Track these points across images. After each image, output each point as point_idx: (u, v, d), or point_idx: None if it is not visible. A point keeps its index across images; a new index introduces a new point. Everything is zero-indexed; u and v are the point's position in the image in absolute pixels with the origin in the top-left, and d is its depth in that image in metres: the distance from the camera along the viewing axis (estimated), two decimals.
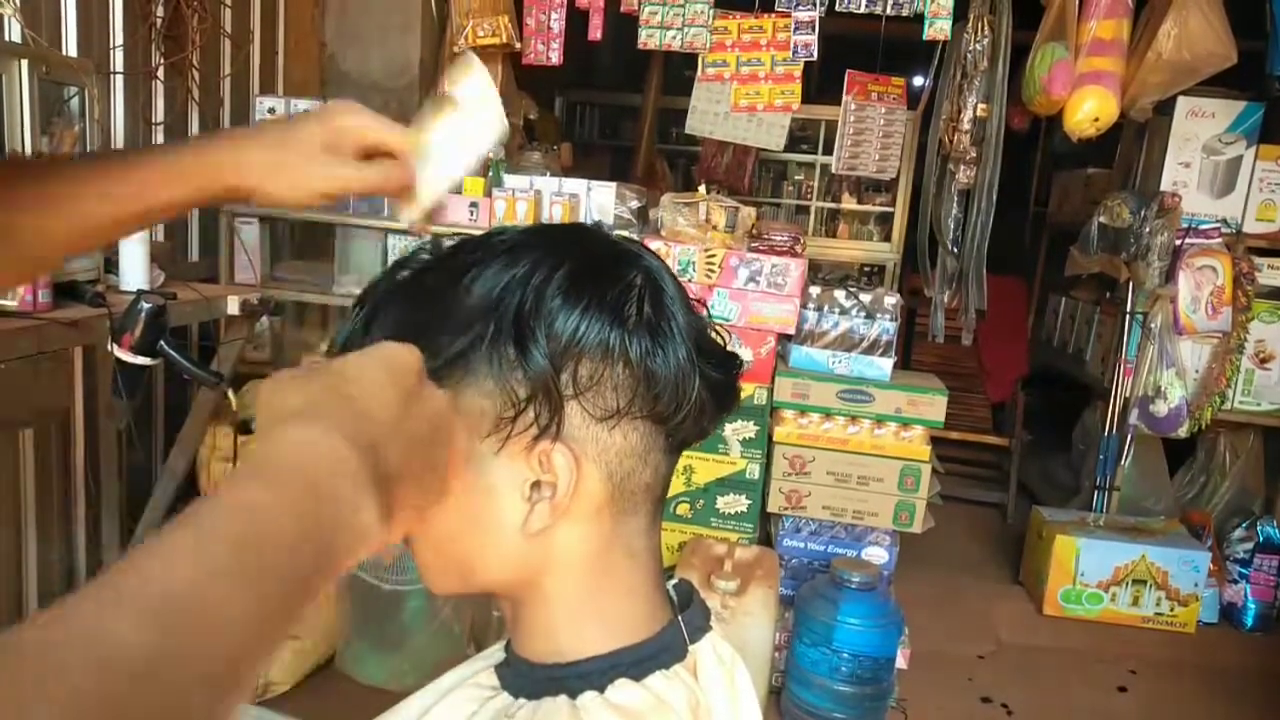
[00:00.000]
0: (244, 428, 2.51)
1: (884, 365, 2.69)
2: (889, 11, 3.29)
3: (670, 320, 0.57)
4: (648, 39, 3.42)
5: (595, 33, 3.49)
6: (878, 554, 2.69)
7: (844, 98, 3.60)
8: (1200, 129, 3.53)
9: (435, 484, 0.50)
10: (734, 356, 0.61)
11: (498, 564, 0.59)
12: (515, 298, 0.54)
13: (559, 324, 0.54)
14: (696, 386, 0.57)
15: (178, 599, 0.33)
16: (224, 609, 0.34)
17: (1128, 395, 3.58)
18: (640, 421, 0.57)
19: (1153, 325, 3.45)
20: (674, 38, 3.42)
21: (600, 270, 0.57)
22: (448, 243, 0.61)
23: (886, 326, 2.69)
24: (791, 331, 2.70)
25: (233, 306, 2.42)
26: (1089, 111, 3.16)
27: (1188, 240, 3.42)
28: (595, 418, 0.55)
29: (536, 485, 0.56)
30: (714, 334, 0.61)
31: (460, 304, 0.56)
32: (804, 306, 2.69)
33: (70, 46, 2.42)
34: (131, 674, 0.30)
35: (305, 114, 0.68)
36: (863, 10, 3.30)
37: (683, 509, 2.74)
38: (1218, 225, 3.48)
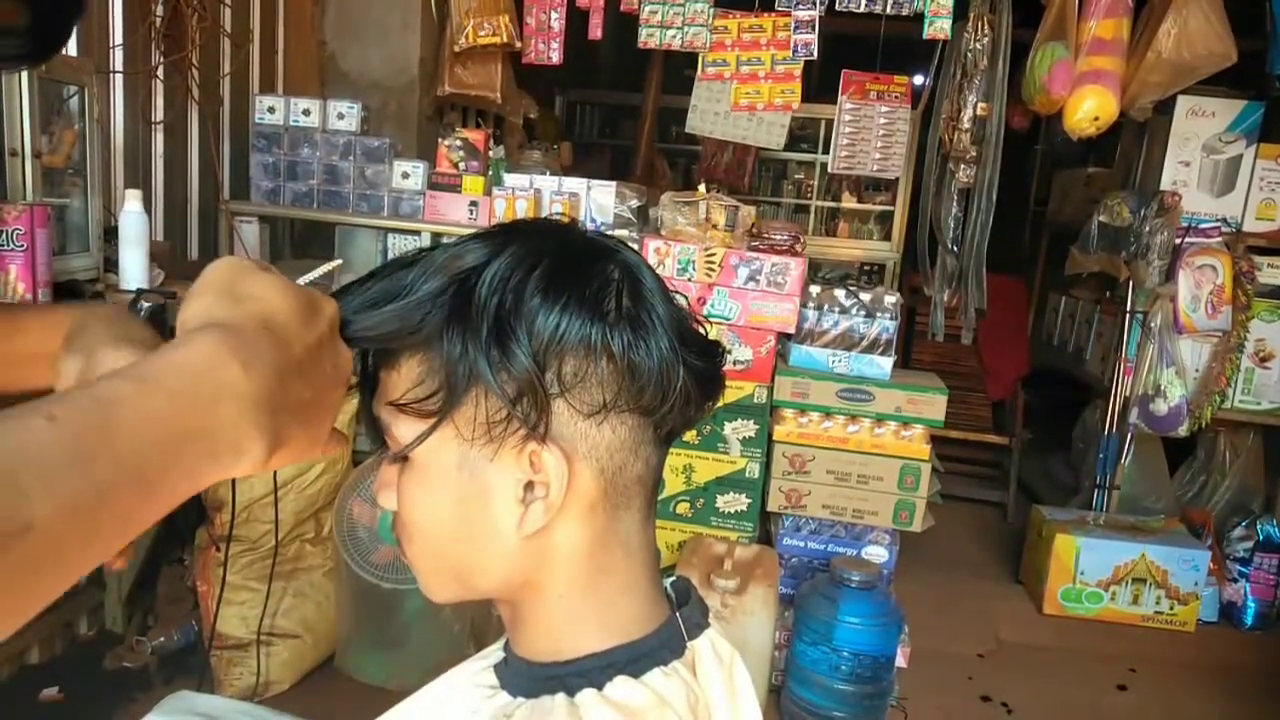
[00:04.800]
0: None
1: (884, 364, 2.69)
2: (889, 10, 3.29)
3: (650, 312, 0.57)
4: (648, 38, 3.42)
5: (595, 32, 3.48)
6: (877, 553, 2.69)
7: (839, 98, 3.60)
8: (1200, 128, 3.53)
9: (319, 432, 0.52)
10: (716, 345, 0.62)
11: (496, 567, 0.59)
12: (495, 299, 0.53)
13: (540, 323, 0.53)
14: (681, 376, 0.57)
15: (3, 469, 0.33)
16: (40, 483, 0.34)
17: (1128, 394, 3.58)
18: (628, 415, 0.57)
19: (1153, 324, 3.45)
20: (674, 37, 3.42)
21: (577, 266, 0.56)
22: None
23: (886, 325, 2.69)
24: (791, 330, 2.69)
25: None
26: (1089, 111, 3.16)
27: (1188, 239, 3.42)
28: (582, 414, 0.55)
29: (529, 486, 0.56)
30: (695, 324, 0.61)
31: (438, 308, 0.54)
32: (804, 305, 2.69)
33: (70, 46, 2.42)
34: None
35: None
36: (862, 9, 3.30)
37: (682, 508, 2.74)
38: (1218, 224, 3.48)
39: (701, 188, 2.97)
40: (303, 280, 0.55)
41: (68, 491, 0.36)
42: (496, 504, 0.56)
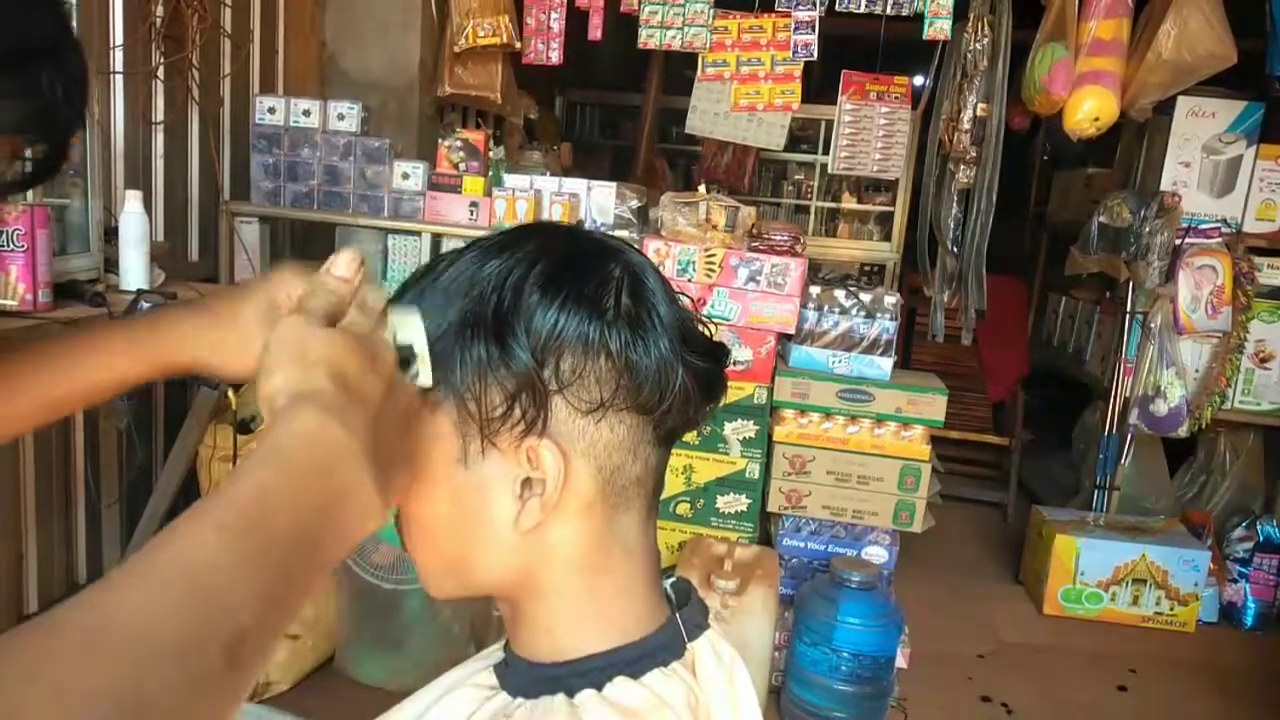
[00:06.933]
0: (243, 427, 2.51)
1: (884, 365, 2.69)
2: (889, 11, 3.29)
3: (650, 311, 0.57)
4: (648, 39, 3.42)
5: (595, 32, 3.49)
6: (878, 553, 2.69)
7: (839, 98, 3.60)
8: (1200, 129, 3.53)
9: (407, 473, 0.55)
10: (719, 346, 0.62)
11: (494, 563, 0.59)
12: (494, 296, 0.55)
13: (538, 319, 0.54)
14: (680, 376, 0.57)
15: (196, 585, 0.37)
16: (238, 590, 0.39)
17: (1128, 395, 3.58)
18: (626, 414, 0.57)
19: (1153, 325, 3.45)
20: (674, 37, 3.42)
21: (578, 265, 0.57)
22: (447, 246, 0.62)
23: (886, 326, 2.69)
24: (791, 331, 2.69)
25: None
26: (1089, 111, 3.16)
27: (1188, 240, 3.42)
28: (580, 411, 0.56)
29: (527, 482, 0.56)
30: (700, 325, 0.61)
31: (441, 306, 0.56)
32: (804, 306, 2.69)
33: None
34: (157, 653, 0.35)
35: (247, 286, 0.71)
36: (862, 10, 3.30)
37: (683, 508, 2.74)
38: (1218, 225, 3.48)
39: (701, 188, 2.97)
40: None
41: (260, 585, 0.40)
42: (494, 499, 0.57)
